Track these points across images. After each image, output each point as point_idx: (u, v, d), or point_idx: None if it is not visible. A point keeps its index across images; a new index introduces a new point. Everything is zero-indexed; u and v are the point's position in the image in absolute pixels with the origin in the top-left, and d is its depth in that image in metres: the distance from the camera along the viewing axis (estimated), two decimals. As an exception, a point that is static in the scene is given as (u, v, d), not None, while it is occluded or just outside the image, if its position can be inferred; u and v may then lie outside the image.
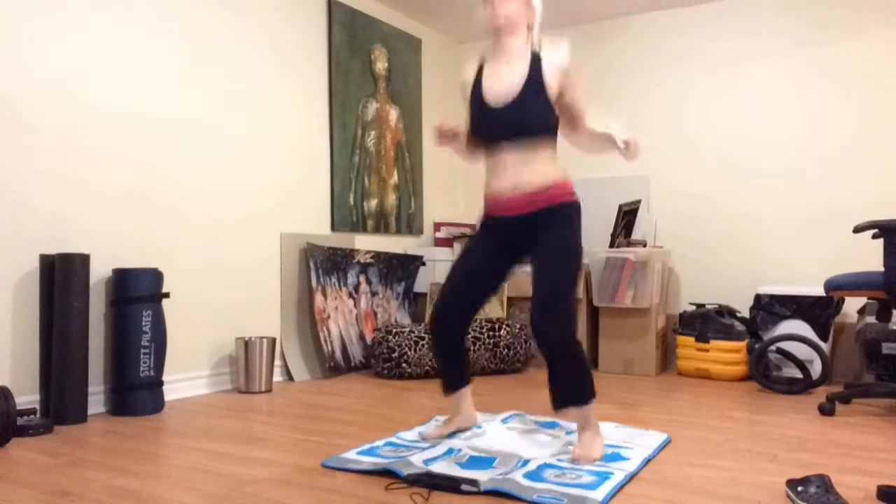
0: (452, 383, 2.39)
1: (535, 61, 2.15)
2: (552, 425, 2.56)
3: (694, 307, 4.15)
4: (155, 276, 2.91)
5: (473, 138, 2.25)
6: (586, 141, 2.28)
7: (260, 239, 3.60)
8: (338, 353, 3.80)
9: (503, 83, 2.16)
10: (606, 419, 2.72)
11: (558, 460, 2.11)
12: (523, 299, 4.15)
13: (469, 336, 3.72)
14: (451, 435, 2.41)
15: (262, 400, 3.13)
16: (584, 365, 2.11)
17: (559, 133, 2.25)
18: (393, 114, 4.50)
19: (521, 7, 2.17)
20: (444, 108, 5.06)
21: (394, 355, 3.62)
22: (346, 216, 4.10)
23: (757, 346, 3.40)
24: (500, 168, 2.18)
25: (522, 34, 2.20)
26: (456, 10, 4.55)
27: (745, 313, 4.10)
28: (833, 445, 2.34)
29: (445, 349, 2.32)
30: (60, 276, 2.67)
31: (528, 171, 2.14)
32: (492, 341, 3.76)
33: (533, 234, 2.18)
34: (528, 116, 2.11)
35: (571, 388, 2.12)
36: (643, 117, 4.49)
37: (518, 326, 3.87)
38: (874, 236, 2.76)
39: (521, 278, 4.12)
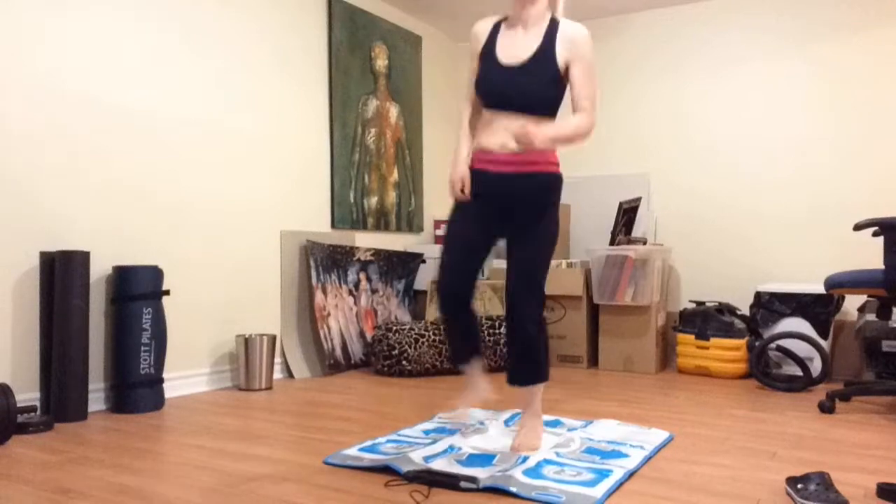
0: (467, 354, 2.40)
1: (552, 29, 2.16)
2: (554, 423, 2.56)
3: (694, 305, 4.15)
4: (155, 273, 2.91)
5: (477, 95, 2.25)
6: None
7: (260, 236, 3.61)
8: (338, 351, 3.80)
9: (517, 46, 2.17)
10: (607, 416, 2.72)
11: (557, 455, 2.11)
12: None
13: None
14: (451, 432, 2.41)
15: (262, 397, 3.13)
16: (547, 345, 2.25)
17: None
18: (393, 111, 4.49)
19: None
20: (444, 105, 5.06)
21: (394, 353, 3.62)
22: (346, 214, 4.10)
23: (757, 343, 3.40)
24: (493, 127, 2.20)
25: (544, 3, 2.20)
26: (456, 8, 4.54)
27: (746, 311, 4.10)
28: (833, 443, 2.35)
29: (458, 320, 2.31)
30: (61, 274, 2.67)
31: None
32: (492, 339, 3.76)
33: (514, 198, 2.19)
34: (531, 86, 2.13)
35: (536, 365, 2.22)
36: (643, 115, 4.49)
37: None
38: (874, 234, 2.76)
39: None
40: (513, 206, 2.20)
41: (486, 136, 2.22)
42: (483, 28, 2.28)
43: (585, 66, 2.15)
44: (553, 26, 2.17)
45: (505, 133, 2.18)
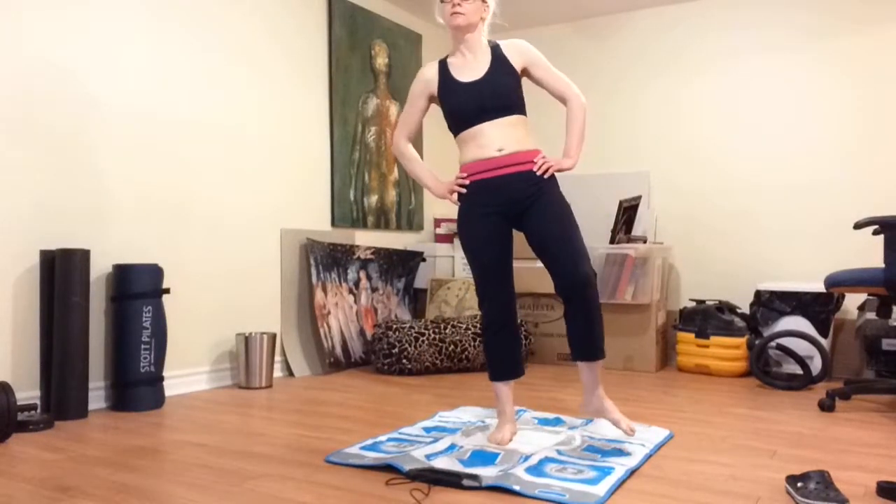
0: (511, 369, 2.33)
1: (496, 48, 2.34)
2: (555, 422, 2.57)
3: (694, 303, 4.15)
4: (155, 271, 2.91)
5: (453, 123, 2.32)
6: (568, 122, 2.34)
7: (260, 235, 3.60)
8: (338, 349, 3.80)
9: (471, 68, 2.31)
10: (607, 415, 2.72)
11: (559, 453, 2.11)
12: (522, 295, 4.15)
13: (469, 332, 3.72)
14: (452, 430, 2.41)
15: (263, 395, 3.13)
16: (601, 314, 2.28)
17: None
18: (393, 109, 4.49)
19: (477, 4, 2.30)
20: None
21: (394, 351, 3.62)
22: (346, 212, 4.10)
23: (757, 342, 3.40)
24: (480, 139, 2.26)
25: (479, 31, 2.35)
26: (456, 6, 4.53)
27: (746, 309, 4.10)
28: (833, 441, 2.35)
29: (501, 335, 2.31)
30: (61, 272, 2.67)
31: (509, 136, 2.25)
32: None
33: (522, 194, 2.24)
34: (501, 87, 2.26)
35: (602, 333, 2.27)
36: (643, 113, 4.49)
37: (518, 322, 3.86)
38: (874, 232, 2.76)
39: (518, 274, 4.12)
40: (523, 202, 2.25)
41: (476, 151, 2.27)
42: (430, 71, 2.38)
43: (543, 63, 2.33)
44: (495, 46, 2.35)
45: (494, 140, 2.25)
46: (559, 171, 2.27)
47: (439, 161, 4.97)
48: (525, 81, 2.38)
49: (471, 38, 2.32)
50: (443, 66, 2.36)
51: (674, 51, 4.41)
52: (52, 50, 2.75)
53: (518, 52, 2.32)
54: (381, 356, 3.67)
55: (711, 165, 4.27)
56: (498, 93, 2.25)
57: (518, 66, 2.31)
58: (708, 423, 2.60)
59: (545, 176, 2.26)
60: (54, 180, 2.76)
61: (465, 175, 2.29)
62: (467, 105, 2.26)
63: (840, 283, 2.84)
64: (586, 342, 2.25)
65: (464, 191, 2.29)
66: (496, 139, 2.24)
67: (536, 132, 4.64)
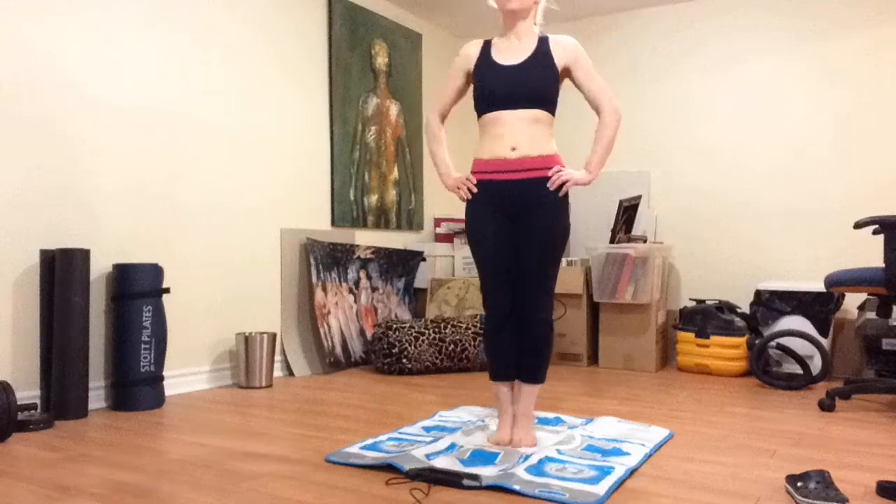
0: (509, 370, 2.31)
1: (543, 39, 2.28)
2: (555, 421, 2.57)
3: (694, 303, 4.15)
4: (155, 271, 2.91)
5: (478, 103, 2.28)
6: (597, 132, 2.28)
7: (260, 234, 3.60)
8: (338, 349, 3.80)
9: (513, 52, 2.26)
10: (607, 414, 2.72)
11: (559, 452, 2.11)
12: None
13: (469, 331, 3.72)
14: (452, 430, 2.41)
15: (263, 395, 3.13)
16: (552, 348, 2.32)
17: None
18: (393, 109, 4.49)
19: None
20: (444, 103, 5.05)
21: (394, 351, 3.62)
22: (346, 211, 4.10)
23: (757, 341, 3.40)
24: (496, 128, 2.23)
25: (531, 18, 2.30)
26: (456, 5, 4.54)
27: (746, 309, 4.10)
28: (833, 441, 2.35)
29: (502, 336, 2.29)
30: (61, 272, 2.67)
31: (525, 132, 2.20)
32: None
33: (525, 201, 2.20)
34: (535, 78, 2.20)
35: (541, 366, 2.25)
36: (644, 113, 4.49)
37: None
38: (874, 232, 2.76)
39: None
40: (528, 209, 2.21)
41: (490, 144, 2.24)
42: (474, 48, 2.34)
43: (586, 65, 2.27)
44: (543, 37, 2.29)
45: (509, 133, 2.20)
46: (574, 185, 2.21)
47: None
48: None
49: (521, 25, 2.27)
50: (486, 45, 2.32)
51: (674, 51, 4.40)
52: (52, 50, 2.75)
53: (563, 48, 2.24)
54: (381, 356, 3.67)
55: (711, 165, 4.27)
56: (530, 83, 2.19)
57: (560, 64, 2.24)
58: (708, 422, 2.60)
59: (560, 193, 2.20)
60: (54, 180, 2.76)
61: (475, 177, 2.25)
62: (496, 87, 2.21)
63: (840, 283, 2.83)
64: (528, 364, 2.25)
65: (470, 196, 2.26)
66: (511, 133, 2.19)
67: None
